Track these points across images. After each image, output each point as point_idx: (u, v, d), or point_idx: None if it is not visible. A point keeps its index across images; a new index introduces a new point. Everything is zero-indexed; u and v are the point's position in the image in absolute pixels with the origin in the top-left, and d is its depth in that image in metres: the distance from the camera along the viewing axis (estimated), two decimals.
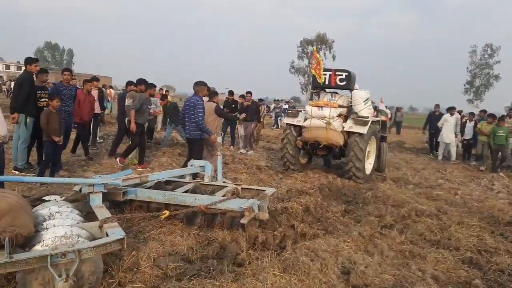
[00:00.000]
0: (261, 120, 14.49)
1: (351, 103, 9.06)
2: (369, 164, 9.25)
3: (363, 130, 8.42)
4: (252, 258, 3.97)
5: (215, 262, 3.77)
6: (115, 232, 3.03)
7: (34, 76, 7.10)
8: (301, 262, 3.88)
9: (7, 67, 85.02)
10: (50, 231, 2.96)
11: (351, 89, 9.12)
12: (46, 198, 3.92)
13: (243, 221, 4.23)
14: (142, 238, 4.27)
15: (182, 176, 5.47)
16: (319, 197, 7.02)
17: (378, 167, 10.42)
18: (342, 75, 9.07)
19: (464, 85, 66.01)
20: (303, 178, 8.69)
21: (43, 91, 7.16)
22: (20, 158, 6.83)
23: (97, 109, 10.12)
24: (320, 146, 8.74)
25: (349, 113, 9.02)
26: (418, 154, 15.06)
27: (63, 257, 2.65)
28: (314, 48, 11.13)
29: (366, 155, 8.72)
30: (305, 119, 8.97)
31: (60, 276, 2.65)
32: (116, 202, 4.79)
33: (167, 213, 3.91)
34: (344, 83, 9.09)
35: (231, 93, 12.59)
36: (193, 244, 4.25)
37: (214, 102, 7.80)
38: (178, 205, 4.53)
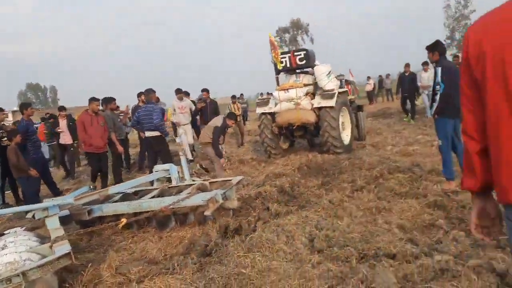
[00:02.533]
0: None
1: (315, 80, 9.16)
2: (346, 136, 9.33)
3: (331, 102, 8.51)
4: (219, 246, 4.08)
5: (181, 258, 3.86)
6: (62, 248, 3.14)
7: None
8: (265, 239, 3.99)
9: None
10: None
11: (311, 66, 9.21)
12: (6, 232, 4.04)
13: (207, 212, 4.33)
14: (112, 249, 4.38)
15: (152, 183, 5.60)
16: (297, 176, 7.15)
17: (359, 136, 10.56)
18: (300, 54, 9.16)
19: (445, 41, 65.88)
20: (285, 162, 8.76)
21: (1, 131, 7.28)
22: None
23: (69, 139, 10.18)
24: (294, 127, 8.84)
25: (315, 90, 9.12)
26: (402, 118, 15.12)
27: (8, 282, 2.75)
28: (269, 34, 10.95)
29: (340, 125, 8.81)
30: (275, 105, 9.08)
31: None
32: (84, 222, 4.92)
33: (124, 221, 4.01)
34: (304, 62, 9.17)
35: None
36: (163, 246, 4.34)
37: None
38: (146, 212, 4.64)
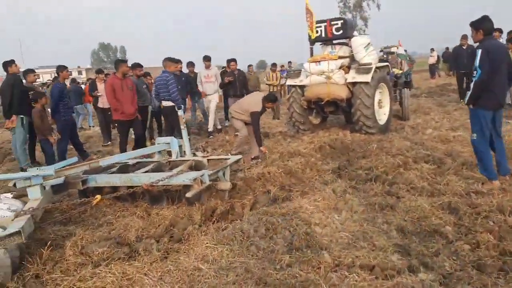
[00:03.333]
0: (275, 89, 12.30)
1: (352, 53, 8.39)
2: (383, 115, 8.57)
3: (367, 78, 7.77)
4: (193, 233, 3.81)
5: (150, 242, 3.66)
6: (15, 225, 3.03)
7: (22, 78, 7.36)
8: (239, 230, 3.67)
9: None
10: None
11: (349, 37, 8.42)
12: None
13: (188, 194, 4.06)
14: (93, 225, 4.28)
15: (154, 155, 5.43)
16: (316, 156, 6.65)
17: (402, 115, 9.72)
18: (337, 23, 8.38)
19: None
20: (311, 139, 8.23)
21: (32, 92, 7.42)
22: (22, 159, 7.19)
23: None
24: (322, 102, 8.24)
25: (352, 63, 8.38)
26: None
27: None
28: (306, 0, 9.93)
29: (375, 103, 8.08)
30: (306, 77, 8.49)
31: None
32: (84, 192, 4.87)
33: (98, 197, 3.86)
34: (340, 32, 8.39)
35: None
36: (146, 225, 4.17)
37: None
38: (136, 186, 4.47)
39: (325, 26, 8.48)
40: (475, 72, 4.33)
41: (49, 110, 8.12)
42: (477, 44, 4.49)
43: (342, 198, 4.52)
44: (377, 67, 8.03)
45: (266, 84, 12.26)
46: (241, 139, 6.93)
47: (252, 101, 6.73)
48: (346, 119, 9.92)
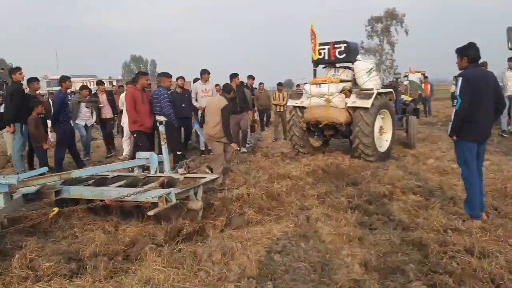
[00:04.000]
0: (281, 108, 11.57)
1: (354, 77, 8.25)
2: (384, 141, 8.35)
3: (367, 103, 7.59)
4: (152, 252, 3.70)
5: (103, 259, 3.57)
6: None
7: (26, 86, 7.54)
8: (193, 254, 3.55)
9: (101, 82, 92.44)
10: None
11: (352, 61, 8.29)
12: None
13: (150, 212, 3.97)
14: (57, 237, 4.25)
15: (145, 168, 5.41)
16: (307, 180, 6.48)
17: (408, 143, 9.45)
18: (341, 47, 8.27)
19: None
20: (309, 162, 8.06)
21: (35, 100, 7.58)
22: (18, 165, 7.29)
23: (109, 113, 10.38)
24: (321, 125, 8.09)
25: (354, 87, 8.24)
26: None
27: None
28: (311, 23, 9.72)
29: (376, 130, 7.88)
30: (306, 99, 8.39)
31: None
32: (58, 202, 4.85)
33: (56, 210, 3.81)
34: (343, 55, 8.28)
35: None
36: (109, 241, 4.09)
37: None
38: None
39: (328, 49, 8.39)
40: (455, 101, 4.15)
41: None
42: (460, 71, 4.31)
43: (313, 226, 4.34)
44: (379, 93, 7.85)
45: (273, 104, 12.14)
46: (219, 158, 6.76)
47: (215, 102, 6.62)
48: (350, 143, 9.73)
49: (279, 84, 12.18)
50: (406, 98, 11.00)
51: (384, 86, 9.23)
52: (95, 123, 10.20)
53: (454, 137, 4.35)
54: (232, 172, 7.27)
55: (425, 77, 15.40)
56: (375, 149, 7.80)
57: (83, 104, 9.42)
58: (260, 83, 13.08)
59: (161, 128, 5.19)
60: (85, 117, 9.49)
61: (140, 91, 6.93)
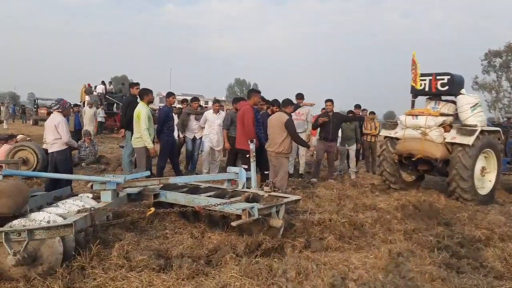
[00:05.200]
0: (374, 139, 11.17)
1: (456, 111, 7.79)
2: (488, 182, 7.70)
3: (468, 140, 7.12)
4: (232, 261, 3.90)
5: (187, 260, 3.86)
6: (70, 219, 3.51)
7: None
8: (269, 267, 3.66)
9: (206, 102, 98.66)
10: (34, 214, 3.66)
11: (455, 94, 7.85)
12: (79, 194, 4.76)
13: (233, 224, 4.21)
14: (151, 235, 4.69)
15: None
16: (394, 214, 6.24)
17: None
18: (443, 79, 7.89)
19: None
20: (400, 197, 7.72)
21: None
22: (127, 169, 8.18)
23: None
24: (414, 159, 7.74)
25: (455, 122, 7.78)
26: None
27: (18, 235, 3.23)
28: (413, 52, 9.04)
29: (476, 172, 7.31)
30: (401, 130, 8.13)
31: (12, 251, 3.22)
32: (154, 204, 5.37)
33: (152, 209, 4.22)
34: (446, 88, 7.86)
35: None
36: (194, 245, 4.41)
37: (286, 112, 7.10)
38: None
39: (430, 80, 8.06)
40: None
41: None
42: None
43: (395, 260, 4.19)
44: (483, 130, 7.32)
45: (364, 133, 11.75)
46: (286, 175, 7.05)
47: (277, 119, 6.92)
48: (447, 183, 9.12)
49: (371, 113, 11.67)
50: None
51: (493, 125, 8.57)
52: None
53: None
54: (317, 198, 7.31)
55: None
56: (475, 194, 7.24)
57: (192, 117, 9.70)
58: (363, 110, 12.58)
59: (252, 146, 5.47)
60: (194, 129, 9.71)
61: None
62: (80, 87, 23.37)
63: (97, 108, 18.12)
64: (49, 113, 32.82)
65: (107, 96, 22.45)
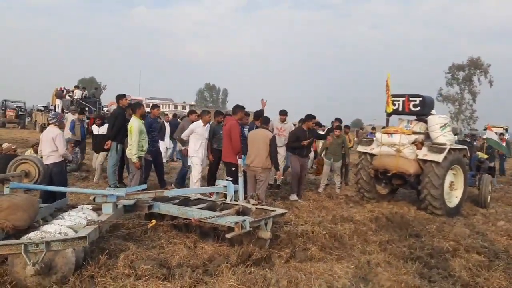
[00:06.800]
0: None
1: (427, 130, 8.43)
2: (454, 197, 8.34)
3: (438, 158, 7.74)
4: (228, 270, 4.25)
5: (187, 269, 4.18)
6: (83, 231, 3.79)
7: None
8: (263, 277, 4.03)
9: (175, 107, 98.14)
10: (46, 226, 3.90)
11: (426, 114, 8.50)
12: (79, 206, 5.01)
13: (228, 235, 4.56)
14: (147, 245, 4.97)
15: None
16: (369, 226, 6.74)
17: (480, 201, 9.27)
18: (416, 100, 8.53)
19: None
20: (373, 208, 8.27)
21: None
22: (111, 179, 8.39)
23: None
24: (389, 174, 8.32)
25: (426, 140, 8.41)
26: None
27: (35, 246, 3.48)
28: (388, 74, 9.57)
29: (445, 185, 7.93)
30: (377, 147, 8.70)
31: (31, 261, 3.47)
32: (148, 215, 5.64)
33: (154, 222, 4.52)
34: (418, 108, 8.52)
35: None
36: (189, 255, 4.73)
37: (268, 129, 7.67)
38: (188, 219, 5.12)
39: (403, 101, 8.68)
40: None
41: None
42: None
43: (374, 270, 4.64)
44: (451, 149, 7.96)
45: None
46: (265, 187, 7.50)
47: (263, 136, 7.26)
48: (417, 195, 9.75)
49: (346, 127, 12.05)
50: (481, 155, 10.83)
51: (459, 142, 9.25)
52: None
53: None
54: (296, 209, 7.74)
55: (501, 134, 14.79)
56: (443, 203, 7.85)
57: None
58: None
59: (240, 161, 5.83)
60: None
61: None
62: (51, 91, 23.16)
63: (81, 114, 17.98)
64: (17, 116, 31.83)
65: (81, 101, 22.26)
